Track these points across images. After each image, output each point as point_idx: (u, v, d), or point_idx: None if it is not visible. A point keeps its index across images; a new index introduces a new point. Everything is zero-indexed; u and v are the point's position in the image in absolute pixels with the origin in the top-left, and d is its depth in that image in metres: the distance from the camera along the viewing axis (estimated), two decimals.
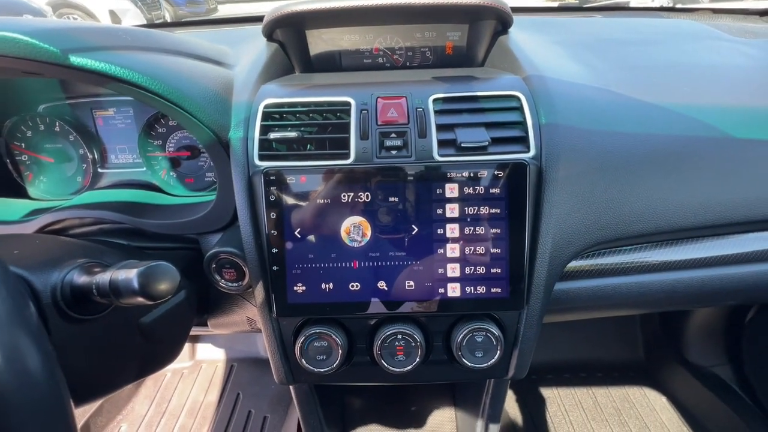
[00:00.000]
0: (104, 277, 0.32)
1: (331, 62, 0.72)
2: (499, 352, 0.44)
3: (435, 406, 0.73)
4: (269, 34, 0.64)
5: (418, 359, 0.44)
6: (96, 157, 0.61)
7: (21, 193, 0.62)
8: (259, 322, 0.47)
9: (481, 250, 0.43)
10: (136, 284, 0.30)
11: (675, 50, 0.67)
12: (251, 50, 0.64)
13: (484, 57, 0.67)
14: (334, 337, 0.44)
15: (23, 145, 0.60)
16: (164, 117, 0.59)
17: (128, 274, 0.30)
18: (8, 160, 0.61)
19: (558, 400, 1.06)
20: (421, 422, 0.70)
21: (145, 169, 0.61)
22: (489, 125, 0.45)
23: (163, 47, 0.49)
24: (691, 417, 1.01)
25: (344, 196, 0.43)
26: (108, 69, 0.38)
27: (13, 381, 0.20)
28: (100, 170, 0.62)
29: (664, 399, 1.07)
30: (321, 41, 0.70)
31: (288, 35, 0.65)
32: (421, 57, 0.72)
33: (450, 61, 0.72)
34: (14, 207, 0.58)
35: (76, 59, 0.37)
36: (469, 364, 0.44)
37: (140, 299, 0.30)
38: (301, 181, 0.43)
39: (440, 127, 0.44)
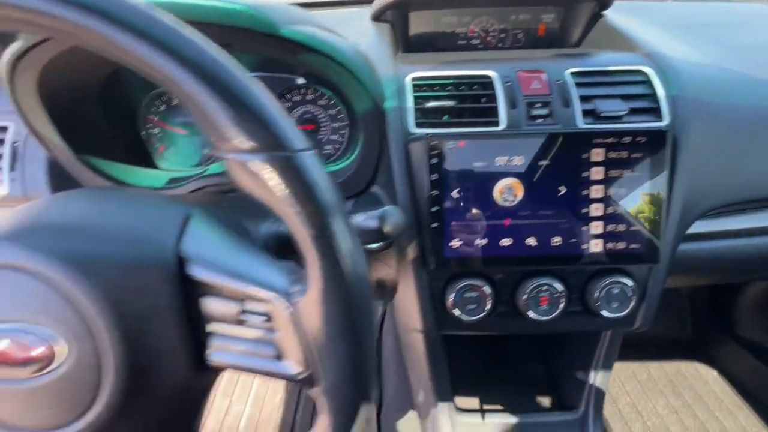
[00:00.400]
0: None
1: (428, 43, 0.75)
2: (632, 304, 0.49)
3: (531, 367, 0.78)
4: (379, 15, 0.68)
5: (559, 309, 0.49)
6: None
7: (148, 164, 0.67)
8: (404, 279, 0.52)
9: (621, 209, 0.47)
10: (375, 224, 0.34)
11: (762, 32, 0.70)
12: (353, 31, 0.68)
13: (580, 38, 0.71)
14: (483, 288, 0.49)
15: (157, 118, 0.65)
16: (290, 92, 0.63)
17: (364, 218, 0.35)
18: (144, 132, 0.65)
19: (614, 373, 1.11)
20: (520, 381, 0.75)
21: None
22: (623, 97, 0.49)
23: (317, 24, 0.53)
24: (744, 390, 1.06)
25: (498, 159, 0.47)
26: (309, 41, 0.42)
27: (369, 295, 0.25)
28: None
29: (714, 373, 1.11)
30: (421, 23, 0.74)
31: (395, 16, 0.69)
32: (513, 38, 0.76)
33: (541, 42, 0.75)
34: (153, 176, 0.62)
35: (285, 31, 0.41)
36: (606, 314, 0.49)
37: (373, 242, 0.35)
38: (460, 145, 0.47)
39: (581, 98, 0.48)
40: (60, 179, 0.55)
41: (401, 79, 0.51)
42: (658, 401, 1.05)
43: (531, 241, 0.48)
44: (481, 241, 0.48)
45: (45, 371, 0.25)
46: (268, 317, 0.26)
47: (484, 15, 0.75)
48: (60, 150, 0.54)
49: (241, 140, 0.22)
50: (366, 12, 0.80)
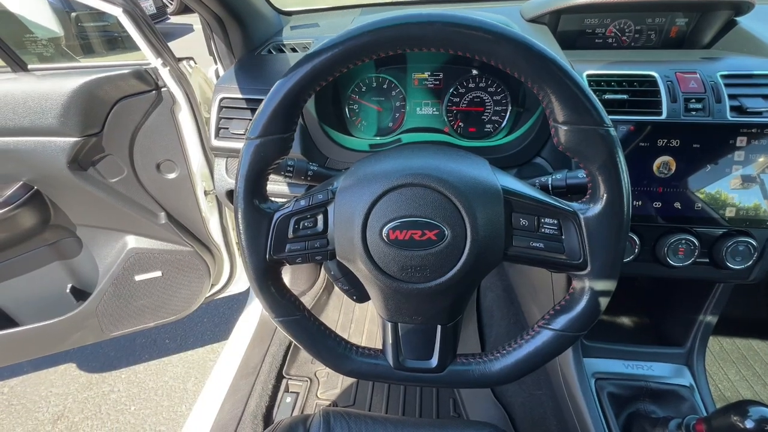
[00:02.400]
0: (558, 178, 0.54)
1: (571, 41, 0.89)
2: (752, 260, 0.63)
3: (640, 312, 0.93)
4: (538, 17, 0.82)
5: (692, 260, 0.64)
6: (408, 107, 0.83)
7: (345, 132, 0.86)
8: None
9: (754, 185, 0.61)
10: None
11: None
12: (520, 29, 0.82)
13: (711, 41, 0.82)
14: (633, 238, 0.64)
15: (358, 96, 0.83)
16: (466, 80, 0.80)
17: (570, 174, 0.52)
18: (346, 109, 0.84)
19: None
20: (633, 322, 0.91)
21: (443, 118, 0.82)
22: (764, 96, 0.62)
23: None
24: None
25: (659, 140, 0.62)
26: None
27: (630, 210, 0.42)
28: (406, 118, 0.84)
29: None
30: (567, 23, 0.87)
31: (552, 18, 0.83)
32: (646, 38, 0.88)
33: (671, 43, 0.87)
34: (358, 142, 0.81)
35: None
36: (731, 265, 0.63)
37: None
38: (630, 129, 0.62)
39: (729, 96, 0.62)
40: (305, 141, 0.76)
41: (580, 74, 0.66)
42: (730, 370, 1.17)
43: (677, 205, 0.63)
44: (636, 203, 0.63)
45: (434, 247, 0.44)
46: (558, 226, 0.44)
47: (622, 18, 0.87)
48: (311, 119, 0.74)
49: (586, 118, 0.39)
50: (508, 10, 0.94)
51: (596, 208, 0.41)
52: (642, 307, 0.90)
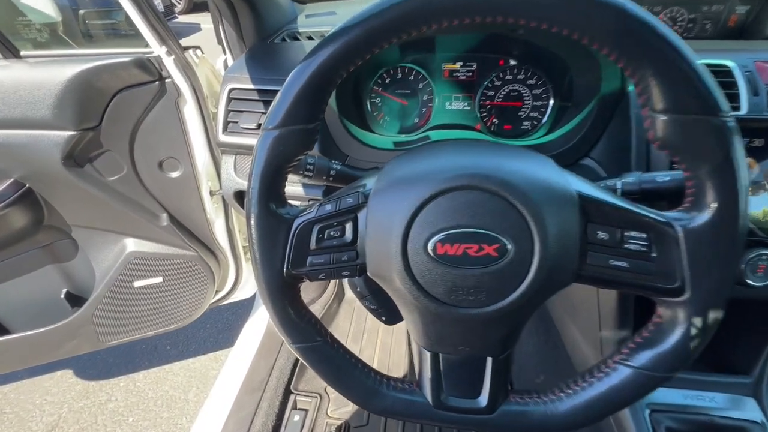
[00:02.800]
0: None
1: None
2: None
3: None
4: None
5: None
6: (436, 101, 0.75)
7: (365, 128, 0.78)
8: None
9: None
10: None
11: None
12: None
13: None
14: None
15: (381, 89, 0.75)
16: (503, 71, 0.72)
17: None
18: (368, 101, 0.76)
19: None
20: None
21: (475, 113, 0.74)
22: None
23: None
24: None
25: None
26: None
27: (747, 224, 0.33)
28: (434, 113, 0.76)
29: None
30: None
31: None
32: (700, 28, 0.79)
33: (728, 33, 0.78)
34: (381, 139, 0.73)
35: None
36: None
37: None
38: None
39: None
40: (323, 138, 0.68)
41: None
42: None
43: None
44: None
45: (492, 265, 0.35)
46: (648, 241, 0.35)
47: (675, 5, 0.78)
48: (330, 112, 0.66)
49: (696, 104, 0.30)
50: None
51: (701, 219, 0.33)
52: None
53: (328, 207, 0.41)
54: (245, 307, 1.65)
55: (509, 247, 0.35)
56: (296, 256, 0.41)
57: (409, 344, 1.24)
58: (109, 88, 0.81)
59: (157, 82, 0.84)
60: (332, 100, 0.67)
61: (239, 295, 1.29)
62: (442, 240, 0.35)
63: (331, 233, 0.41)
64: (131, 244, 0.98)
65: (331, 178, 0.52)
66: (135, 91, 0.83)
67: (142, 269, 1.00)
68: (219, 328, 1.67)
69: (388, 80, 0.75)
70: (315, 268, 0.41)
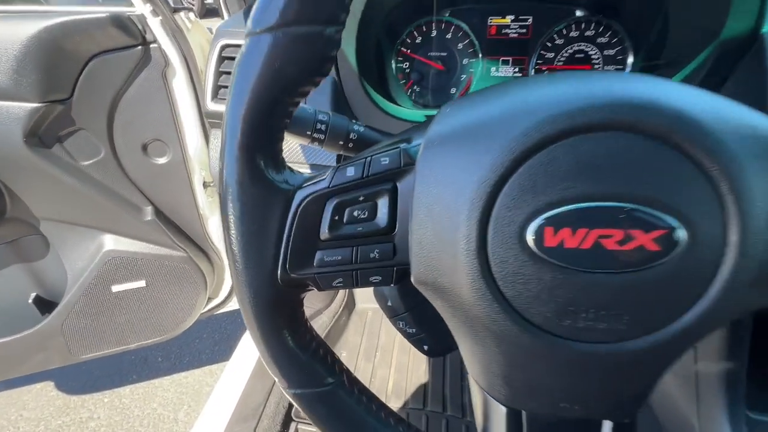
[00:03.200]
0: None
1: None
2: None
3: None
4: None
5: None
6: (479, 66, 0.60)
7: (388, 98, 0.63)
8: None
9: None
10: None
11: None
12: None
13: None
14: None
15: (411, 50, 0.61)
16: (566, 29, 0.56)
17: None
18: (393, 64, 0.61)
19: None
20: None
21: None
22: None
23: None
24: None
25: None
26: None
27: None
28: (475, 81, 0.61)
29: None
30: None
31: None
32: None
33: None
34: (410, 112, 0.58)
35: None
36: None
37: None
38: None
39: None
40: (337, 101, 0.53)
41: None
42: None
43: None
44: None
45: (651, 266, 0.20)
46: None
47: None
48: (349, 71, 0.52)
49: None
50: None
51: None
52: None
53: (351, 172, 0.26)
54: None
55: (681, 234, 0.19)
56: (298, 249, 0.26)
57: (426, 361, 1.08)
58: (82, 51, 0.68)
59: (139, 47, 0.71)
60: (352, 56, 0.52)
61: (236, 304, 1.14)
62: (555, 222, 0.20)
63: (355, 214, 0.26)
64: (109, 242, 0.84)
65: (350, 144, 0.37)
66: (113, 56, 0.70)
67: (121, 271, 0.86)
68: (216, 339, 1.52)
69: (419, 39, 0.60)
70: (328, 269, 0.26)
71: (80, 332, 0.89)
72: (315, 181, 0.26)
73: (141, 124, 0.77)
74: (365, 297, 1.23)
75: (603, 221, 0.20)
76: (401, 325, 0.34)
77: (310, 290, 0.28)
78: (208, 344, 1.50)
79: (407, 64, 0.61)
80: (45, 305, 0.90)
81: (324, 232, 0.26)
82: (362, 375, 1.05)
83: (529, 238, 0.21)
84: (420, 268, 0.24)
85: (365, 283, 0.26)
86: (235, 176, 0.25)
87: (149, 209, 0.84)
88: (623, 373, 0.22)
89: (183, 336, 1.54)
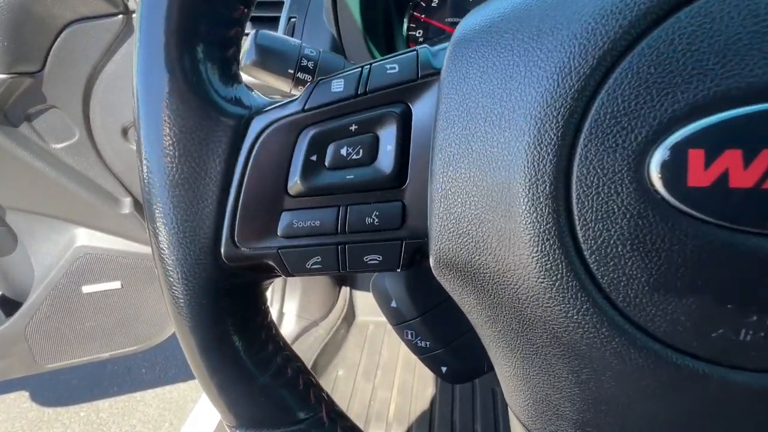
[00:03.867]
0: None
1: None
2: None
3: None
4: None
5: None
6: None
7: None
8: None
9: None
10: None
11: None
12: None
13: None
14: None
15: (426, 14, 0.52)
16: None
17: None
18: (403, 31, 0.53)
19: None
20: None
21: None
22: None
23: None
24: None
25: None
26: None
27: None
28: None
29: None
30: None
31: None
32: None
33: None
34: None
35: None
36: None
37: None
38: None
39: None
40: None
41: None
42: None
43: None
44: None
45: None
46: None
47: None
48: (351, 27, 0.43)
49: None
50: None
51: None
52: None
53: (338, 86, 0.17)
54: None
55: None
56: (254, 209, 0.17)
57: (436, 387, 0.96)
58: (54, 18, 0.61)
59: (121, 16, 0.63)
60: (357, 10, 0.44)
61: None
62: (706, 140, 0.11)
63: (344, 153, 0.17)
64: (81, 236, 0.76)
65: None
66: (90, 25, 0.62)
67: (94, 270, 0.77)
68: None
69: (435, 2, 0.52)
70: (299, 242, 0.17)
71: (46, 338, 0.80)
72: (282, 103, 0.17)
73: (121, 105, 0.69)
74: (367, 307, 1.12)
75: None
76: (410, 336, 0.24)
77: (274, 276, 0.19)
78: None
79: (420, 31, 0.53)
80: (9, 306, 0.81)
81: (295, 183, 0.16)
82: (361, 397, 0.94)
83: (655, 173, 0.11)
84: (445, 241, 0.15)
85: (357, 265, 0.17)
86: (154, 84, 0.16)
87: (128, 201, 0.75)
88: None
89: (169, 346, 1.44)
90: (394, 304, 0.23)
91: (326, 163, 0.16)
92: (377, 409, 0.90)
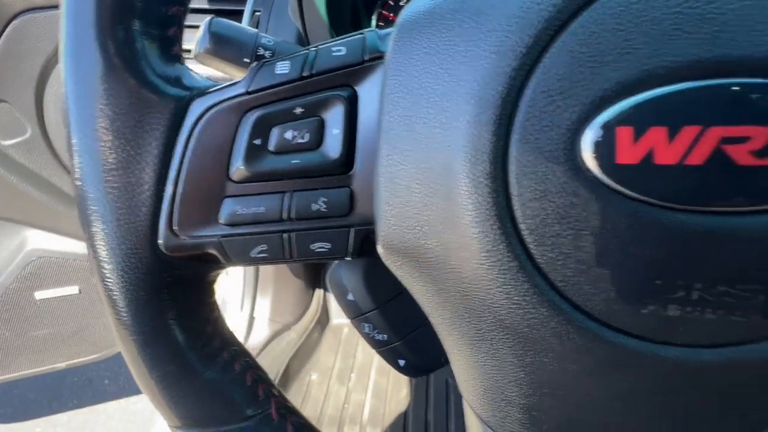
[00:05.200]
0: None
1: None
2: None
3: None
4: None
5: None
6: None
7: None
8: None
9: None
10: None
11: None
12: None
13: None
14: None
15: (394, 14, 0.52)
16: None
17: None
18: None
19: None
20: None
21: None
22: None
23: None
24: None
25: None
26: None
27: None
28: None
29: None
30: None
31: None
32: None
33: None
34: None
35: None
36: None
37: None
38: None
39: None
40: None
41: None
42: None
43: None
44: None
45: None
46: None
47: None
48: (317, 20, 0.43)
49: None
50: None
51: None
52: None
53: (283, 68, 0.16)
54: None
55: None
56: (194, 195, 0.16)
57: (410, 387, 0.96)
58: (3, 6, 0.57)
59: None
60: (322, 5, 0.43)
61: None
62: (635, 117, 0.11)
63: (289, 137, 0.16)
64: (34, 239, 0.72)
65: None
66: (42, 15, 0.59)
67: (48, 275, 0.73)
68: None
69: (403, 1, 0.52)
70: (243, 230, 0.16)
71: None
72: (225, 85, 0.17)
73: None
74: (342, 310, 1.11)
75: (728, 111, 0.10)
76: (367, 330, 0.23)
77: (219, 267, 0.18)
78: None
79: None
80: None
81: (237, 168, 0.16)
82: (335, 400, 0.93)
83: (587, 151, 0.11)
84: (391, 226, 0.14)
85: (305, 254, 0.16)
86: (84, 60, 0.15)
87: None
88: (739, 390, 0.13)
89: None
90: (350, 297, 0.23)
91: (270, 148, 0.16)
92: (351, 413, 0.89)
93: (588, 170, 0.11)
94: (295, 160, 0.16)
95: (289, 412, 0.19)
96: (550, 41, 0.12)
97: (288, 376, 0.94)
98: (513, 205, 0.12)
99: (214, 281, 0.19)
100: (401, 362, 0.24)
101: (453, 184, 0.13)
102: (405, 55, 0.14)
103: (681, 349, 0.12)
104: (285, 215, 0.16)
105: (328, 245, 0.16)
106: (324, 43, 0.16)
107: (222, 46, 0.26)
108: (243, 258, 0.16)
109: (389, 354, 0.24)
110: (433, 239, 0.14)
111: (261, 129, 0.16)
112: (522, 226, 0.12)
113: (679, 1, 0.11)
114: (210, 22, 0.26)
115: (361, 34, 0.16)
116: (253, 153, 0.16)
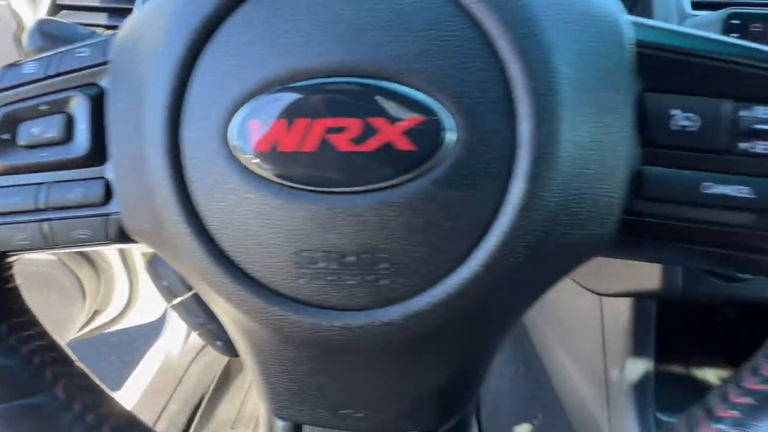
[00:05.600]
0: None
1: None
2: None
3: None
4: None
5: None
6: None
7: None
8: None
9: None
10: None
11: None
12: None
13: None
14: None
15: None
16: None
17: None
18: None
19: None
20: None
21: None
22: None
23: None
24: None
25: None
26: None
27: None
28: None
29: None
30: None
31: None
32: None
33: None
34: None
35: None
36: None
37: None
38: None
39: None
40: None
41: None
42: None
43: None
44: None
45: (404, 175, 0.12)
46: None
47: None
48: None
49: None
50: None
51: None
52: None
53: (29, 68, 0.18)
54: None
55: (448, 124, 0.12)
56: None
57: None
58: None
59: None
60: None
61: (137, 319, 1.00)
62: (262, 111, 0.13)
63: (36, 132, 0.17)
64: None
65: None
66: None
67: None
68: (126, 362, 1.34)
69: None
70: (1, 221, 0.18)
71: None
72: None
73: None
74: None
75: (330, 106, 0.12)
76: (183, 314, 0.25)
77: (5, 255, 0.19)
78: (116, 367, 1.32)
79: None
80: None
81: None
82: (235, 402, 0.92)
83: (233, 139, 0.13)
84: (128, 209, 0.16)
85: (67, 241, 0.17)
86: None
87: None
88: (409, 351, 0.15)
89: (85, 359, 1.36)
90: (164, 283, 0.24)
91: (19, 143, 0.17)
92: (250, 411, 0.90)
93: (236, 159, 0.13)
94: (45, 154, 0.17)
95: (81, 390, 0.21)
96: (207, 37, 0.13)
97: (228, 379, 0.94)
98: (190, 189, 0.14)
99: (8, 268, 0.21)
100: (219, 343, 0.25)
101: (149, 169, 0.14)
102: (122, 52, 0.16)
103: (338, 313, 0.14)
104: (42, 206, 0.17)
105: (88, 232, 0.17)
106: (73, 46, 0.18)
107: (52, 46, 0.27)
108: (8, 247, 0.18)
109: (207, 335, 0.26)
110: (149, 224, 0.15)
111: (8, 125, 0.17)
112: (202, 208, 0.14)
113: (288, 27, 0.13)
114: (41, 21, 0.27)
115: (113, 35, 0.18)
116: (2, 148, 0.17)
